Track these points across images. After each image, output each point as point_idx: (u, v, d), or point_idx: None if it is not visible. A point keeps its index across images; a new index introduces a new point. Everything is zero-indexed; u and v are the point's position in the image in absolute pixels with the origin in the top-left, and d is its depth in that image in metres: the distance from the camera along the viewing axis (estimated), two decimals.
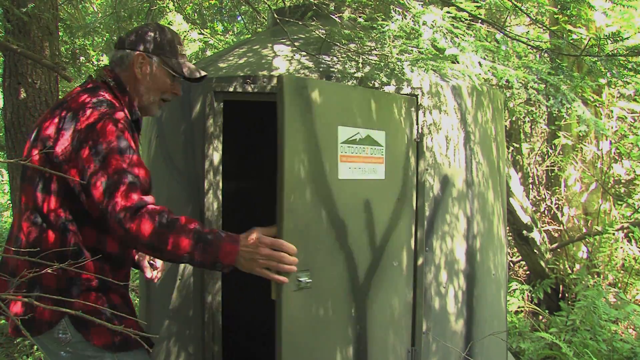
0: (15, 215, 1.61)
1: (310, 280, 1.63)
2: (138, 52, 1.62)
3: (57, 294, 1.44)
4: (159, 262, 1.96)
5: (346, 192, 1.84)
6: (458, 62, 2.16)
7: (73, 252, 1.49)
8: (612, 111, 4.77)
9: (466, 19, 2.37)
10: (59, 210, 1.48)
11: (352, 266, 1.87)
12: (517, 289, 4.69)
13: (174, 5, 5.05)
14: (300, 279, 1.59)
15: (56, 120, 1.49)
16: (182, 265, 2.36)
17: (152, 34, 1.66)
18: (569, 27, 3.58)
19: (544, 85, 2.33)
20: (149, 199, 1.42)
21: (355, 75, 2.23)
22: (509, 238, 4.83)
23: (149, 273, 1.94)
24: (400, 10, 2.22)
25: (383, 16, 2.37)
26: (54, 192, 1.48)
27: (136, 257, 1.90)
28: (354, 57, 2.32)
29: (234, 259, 1.42)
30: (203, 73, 1.76)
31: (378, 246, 2.00)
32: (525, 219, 4.46)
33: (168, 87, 1.70)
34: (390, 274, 2.08)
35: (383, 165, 1.99)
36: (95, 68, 6.83)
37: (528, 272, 5.09)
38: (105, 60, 7.38)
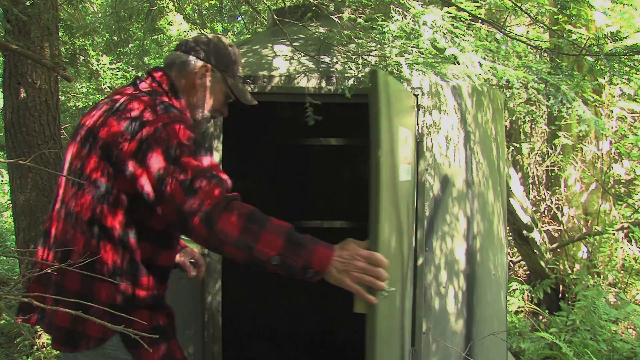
0: (56, 219, 1.46)
1: (393, 289, 1.50)
2: (204, 63, 1.57)
3: (110, 309, 1.34)
4: (201, 260, 1.86)
5: (402, 196, 1.78)
6: (458, 62, 2.16)
7: (129, 266, 1.41)
8: (612, 111, 4.77)
9: (466, 19, 2.37)
10: (120, 221, 1.39)
11: (402, 272, 1.83)
12: (517, 289, 4.69)
13: (174, 5, 5.05)
14: (388, 289, 1.48)
15: (117, 123, 1.37)
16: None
17: (221, 50, 1.61)
18: (569, 27, 3.58)
19: (544, 85, 2.34)
20: (234, 195, 1.32)
21: (355, 75, 2.23)
22: (509, 238, 4.83)
23: (193, 272, 1.87)
24: (400, 10, 2.22)
25: (383, 16, 2.37)
26: (117, 201, 1.38)
27: (177, 256, 1.78)
28: (353, 57, 2.32)
29: (327, 267, 1.28)
30: (255, 102, 1.74)
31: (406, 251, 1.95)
32: (525, 219, 4.46)
33: (220, 106, 1.65)
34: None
35: (410, 166, 1.93)
36: (94, 68, 6.84)
37: (528, 272, 5.09)
38: (105, 60, 7.39)
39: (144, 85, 1.53)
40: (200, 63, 1.57)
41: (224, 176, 1.35)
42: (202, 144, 1.39)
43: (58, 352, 3.26)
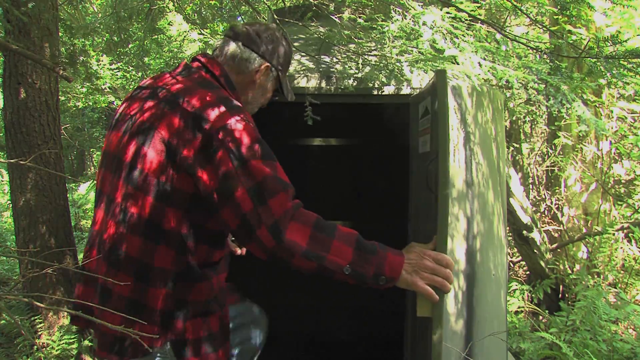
0: (105, 219, 1.35)
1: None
2: (267, 63, 1.50)
3: (162, 316, 1.30)
4: None
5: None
6: (458, 63, 2.16)
7: (186, 271, 1.32)
8: (612, 111, 4.77)
9: (466, 20, 2.38)
10: (178, 223, 1.28)
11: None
12: (517, 289, 4.69)
13: (174, 5, 5.05)
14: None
15: (179, 119, 1.26)
16: None
17: (282, 49, 1.54)
18: (568, 27, 3.58)
19: (544, 86, 2.34)
20: (298, 202, 1.27)
21: (356, 75, 2.23)
22: (509, 238, 4.83)
23: (238, 251, 1.81)
24: (400, 10, 2.22)
25: (383, 17, 2.37)
26: (176, 202, 1.27)
27: None
28: (353, 57, 2.32)
29: (400, 272, 1.25)
30: (294, 97, 1.69)
31: None
32: (525, 219, 4.46)
33: (266, 101, 1.61)
34: None
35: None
36: (93, 69, 6.83)
37: (528, 272, 5.09)
38: (105, 60, 7.38)
39: (197, 75, 1.41)
40: (263, 64, 1.49)
41: (288, 181, 1.27)
42: (267, 145, 1.29)
43: (59, 352, 3.24)
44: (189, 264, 1.32)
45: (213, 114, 1.26)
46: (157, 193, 1.27)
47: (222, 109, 1.27)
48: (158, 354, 1.33)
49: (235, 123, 1.26)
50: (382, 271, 1.24)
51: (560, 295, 4.52)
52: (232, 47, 1.48)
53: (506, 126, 5.05)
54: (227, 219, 1.24)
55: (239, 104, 1.35)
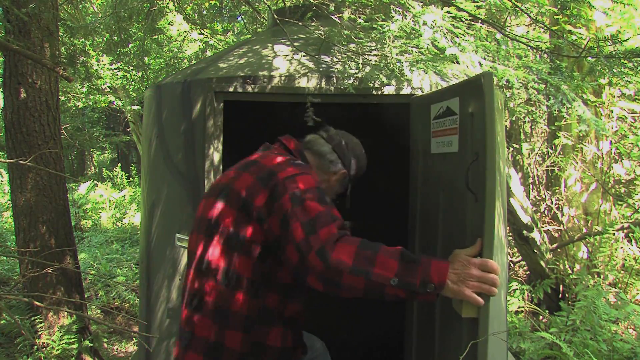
0: (192, 271, 1.56)
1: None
2: (345, 171, 1.75)
3: (241, 358, 1.46)
4: None
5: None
6: (458, 62, 2.16)
7: (260, 316, 1.47)
8: (612, 111, 4.77)
9: (466, 19, 2.37)
10: (250, 270, 1.44)
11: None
12: (517, 289, 4.69)
13: (174, 5, 5.05)
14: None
15: (250, 176, 1.49)
16: (182, 265, 2.36)
17: (361, 164, 1.81)
18: (569, 27, 3.58)
19: (544, 85, 2.34)
20: (345, 231, 1.38)
21: (356, 75, 2.23)
22: (509, 238, 4.83)
23: None
24: (400, 10, 2.22)
25: (383, 16, 2.37)
26: (249, 251, 1.44)
27: None
28: (353, 57, 2.32)
29: (445, 277, 1.29)
30: (349, 206, 1.84)
31: None
32: (525, 219, 4.47)
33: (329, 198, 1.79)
34: None
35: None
36: (94, 69, 6.83)
37: (528, 272, 5.09)
38: (105, 60, 7.38)
39: (273, 149, 1.69)
40: (342, 170, 1.75)
41: (340, 217, 1.40)
42: (324, 193, 1.46)
43: (59, 352, 3.25)
44: (264, 309, 1.47)
45: (280, 168, 1.47)
46: (233, 242, 1.45)
47: (289, 165, 1.49)
48: None
49: (299, 174, 1.45)
50: (429, 278, 1.28)
51: (560, 295, 4.52)
52: (323, 146, 1.77)
53: (506, 126, 5.05)
54: (290, 257, 1.36)
55: (304, 164, 1.57)
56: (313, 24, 2.55)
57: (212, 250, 1.48)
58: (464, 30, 2.23)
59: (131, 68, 7.21)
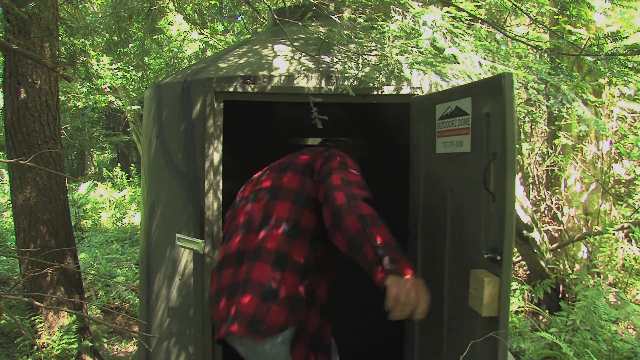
0: (245, 225, 1.84)
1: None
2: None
3: (293, 304, 1.64)
4: None
5: None
6: (458, 62, 2.16)
7: (314, 265, 1.74)
8: (612, 111, 4.77)
9: (466, 19, 2.37)
10: (315, 223, 1.76)
11: None
12: (517, 288, 4.69)
13: (174, 5, 5.05)
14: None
15: (308, 153, 1.97)
16: (182, 265, 2.36)
17: None
18: (568, 27, 3.58)
19: (544, 85, 2.34)
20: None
21: (356, 75, 2.23)
22: None
23: None
24: (400, 10, 2.22)
25: (383, 16, 2.37)
26: (313, 205, 1.77)
27: None
28: (353, 57, 2.31)
29: (407, 271, 1.50)
30: None
31: None
32: (525, 219, 4.46)
33: None
34: None
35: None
36: (94, 69, 6.83)
37: (528, 272, 5.09)
38: (105, 60, 7.38)
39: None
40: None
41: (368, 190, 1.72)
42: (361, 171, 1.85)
43: (59, 352, 3.30)
44: (319, 260, 1.74)
45: (325, 154, 1.91)
46: (303, 203, 1.78)
47: (330, 152, 1.93)
48: (280, 336, 1.62)
49: (341, 155, 1.88)
50: (398, 263, 1.50)
51: (560, 295, 4.51)
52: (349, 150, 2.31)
53: None
54: (325, 215, 1.67)
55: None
56: (313, 24, 2.55)
57: (279, 207, 1.78)
58: (464, 31, 2.23)
59: (131, 68, 7.20)
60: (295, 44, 2.46)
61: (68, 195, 3.88)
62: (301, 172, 1.84)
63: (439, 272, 1.92)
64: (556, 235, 5.16)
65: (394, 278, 1.47)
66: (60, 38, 3.84)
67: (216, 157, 2.26)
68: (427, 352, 2.09)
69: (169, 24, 6.84)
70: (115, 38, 4.61)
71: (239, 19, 7.20)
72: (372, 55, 2.30)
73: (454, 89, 1.90)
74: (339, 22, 2.56)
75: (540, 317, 4.41)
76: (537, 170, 5.69)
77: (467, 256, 1.74)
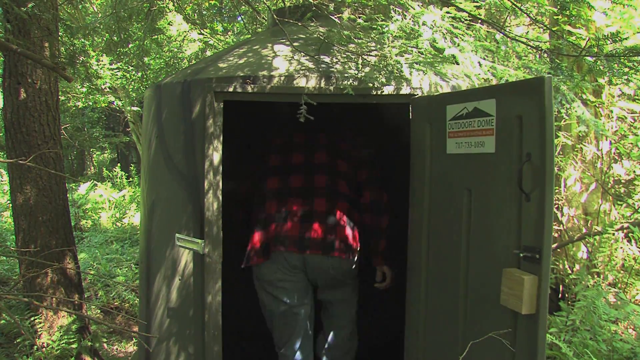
0: (305, 172, 2.54)
1: None
2: None
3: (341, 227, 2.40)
4: None
5: None
6: (458, 63, 2.16)
7: (354, 198, 2.52)
8: (612, 111, 4.76)
9: (466, 19, 2.38)
10: (351, 192, 2.51)
11: None
12: None
13: (174, 5, 5.05)
14: None
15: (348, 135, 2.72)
16: (182, 265, 2.36)
17: None
18: (568, 27, 3.58)
19: None
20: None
21: (355, 75, 2.23)
22: None
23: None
24: (400, 10, 2.22)
25: (383, 17, 2.37)
26: (351, 179, 2.53)
27: None
28: (353, 57, 2.32)
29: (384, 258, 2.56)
30: None
31: None
32: None
33: None
34: None
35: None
36: (93, 69, 6.83)
37: None
38: (105, 60, 7.38)
39: None
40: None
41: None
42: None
43: (59, 352, 3.41)
44: (355, 200, 2.53)
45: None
46: (348, 176, 2.55)
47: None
48: (353, 259, 2.43)
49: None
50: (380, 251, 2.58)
51: (560, 295, 4.51)
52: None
53: None
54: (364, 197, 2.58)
55: None
56: (312, 24, 2.55)
57: (336, 183, 2.49)
58: (464, 31, 2.23)
59: (131, 68, 7.20)
60: (295, 44, 2.47)
61: (68, 195, 3.88)
62: (344, 146, 2.67)
63: (452, 270, 1.94)
64: (556, 235, 5.16)
65: (387, 268, 2.55)
66: (60, 38, 3.84)
67: (216, 157, 2.26)
68: (434, 350, 2.10)
69: (168, 24, 6.84)
70: (115, 38, 4.61)
71: (239, 19, 7.20)
72: (371, 55, 2.30)
73: (469, 91, 1.91)
74: (339, 22, 2.56)
75: None
76: None
77: (491, 254, 1.77)
